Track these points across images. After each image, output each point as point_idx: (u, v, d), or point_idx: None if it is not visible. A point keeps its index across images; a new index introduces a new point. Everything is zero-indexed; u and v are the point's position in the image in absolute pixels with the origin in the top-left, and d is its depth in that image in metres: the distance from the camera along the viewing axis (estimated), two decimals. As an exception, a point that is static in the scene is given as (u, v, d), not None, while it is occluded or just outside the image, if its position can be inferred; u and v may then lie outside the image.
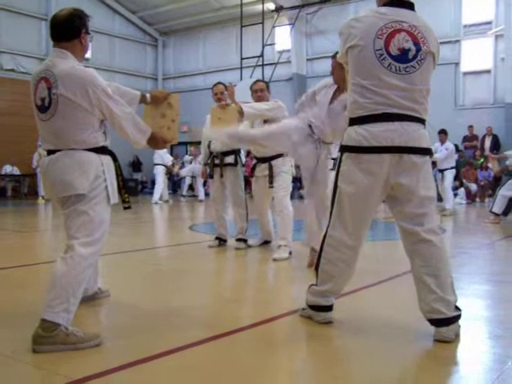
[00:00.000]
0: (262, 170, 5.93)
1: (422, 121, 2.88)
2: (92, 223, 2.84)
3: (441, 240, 2.91)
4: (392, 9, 2.85)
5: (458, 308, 2.87)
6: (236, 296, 4.01)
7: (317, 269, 3.10)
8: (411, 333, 2.98)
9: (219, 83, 6.30)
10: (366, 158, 2.83)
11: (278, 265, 5.15)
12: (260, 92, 5.84)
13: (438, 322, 2.83)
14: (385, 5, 2.88)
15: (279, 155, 5.74)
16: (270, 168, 5.77)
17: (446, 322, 2.81)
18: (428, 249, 2.86)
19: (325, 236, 3.05)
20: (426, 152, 2.89)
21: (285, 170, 5.79)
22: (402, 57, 2.78)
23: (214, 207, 6.43)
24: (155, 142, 3.10)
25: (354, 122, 2.89)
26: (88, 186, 2.83)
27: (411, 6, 2.91)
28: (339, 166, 2.97)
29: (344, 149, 2.94)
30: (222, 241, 6.38)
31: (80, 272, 2.76)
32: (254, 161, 6.12)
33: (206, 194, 15.20)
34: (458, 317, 2.86)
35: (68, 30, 2.95)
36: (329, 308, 3.11)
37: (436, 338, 2.82)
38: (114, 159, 3.03)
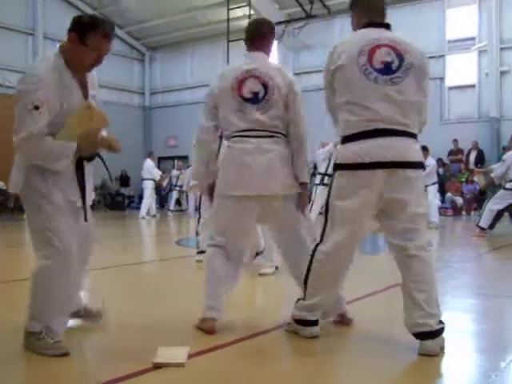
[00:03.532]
0: None
1: (413, 135, 2.92)
2: (39, 234, 2.79)
3: (430, 256, 2.94)
4: (370, 29, 2.97)
5: (441, 321, 2.89)
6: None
7: (305, 283, 3.09)
8: (396, 346, 2.98)
9: None
10: (360, 175, 2.85)
11: (265, 279, 5.15)
12: None
13: (423, 336, 2.83)
14: (363, 28, 3.01)
15: None
16: None
17: (431, 335, 2.82)
18: (418, 264, 2.87)
19: (314, 251, 3.05)
20: (419, 166, 2.94)
21: None
22: (386, 69, 2.85)
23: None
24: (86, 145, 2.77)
25: (346, 140, 2.92)
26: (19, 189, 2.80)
27: (388, 27, 3.03)
28: (332, 184, 2.99)
29: (337, 167, 2.97)
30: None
31: (49, 286, 2.76)
32: None
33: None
34: (442, 330, 2.87)
35: None
36: (314, 322, 3.10)
37: (421, 351, 2.82)
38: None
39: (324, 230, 3.01)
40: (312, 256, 3.05)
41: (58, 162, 2.69)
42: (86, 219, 2.92)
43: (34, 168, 2.75)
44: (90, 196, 3.05)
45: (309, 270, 3.07)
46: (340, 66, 2.89)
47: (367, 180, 2.84)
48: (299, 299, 3.14)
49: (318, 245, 3.04)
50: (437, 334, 2.83)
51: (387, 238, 2.99)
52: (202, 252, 6.35)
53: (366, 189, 2.85)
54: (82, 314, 3.36)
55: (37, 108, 2.61)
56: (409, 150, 2.87)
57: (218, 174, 3.35)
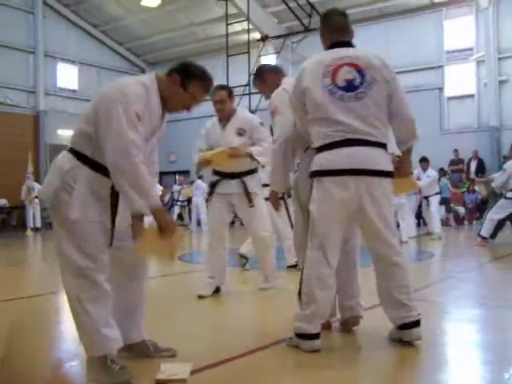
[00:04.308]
0: (228, 187, 5.01)
1: (381, 145, 3.11)
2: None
3: (404, 260, 3.21)
4: (335, 50, 3.21)
5: (418, 313, 3.18)
6: (223, 326, 4.00)
7: (300, 293, 3.17)
8: (399, 358, 2.98)
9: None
10: (332, 181, 3.05)
11: (265, 294, 5.14)
12: (220, 104, 4.93)
13: (410, 325, 3.11)
14: (328, 48, 3.26)
15: (252, 171, 5.03)
16: (244, 186, 4.98)
17: (416, 324, 3.12)
18: (399, 271, 3.15)
19: (303, 261, 3.19)
20: (387, 174, 3.12)
21: (258, 191, 5.11)
22: (350, 86, 3.09)
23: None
24: (161, 216, 2.61)
25: (319, 150, 3.14)
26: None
27: (351, 45, 3.27)
28: (310, 192, 3.18)
29: (312, 174, 3.17)
30: None
31: (75, 307, 2.61)
32: (215, 177, 5.11)
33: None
34: (420, 319, 3.18)
35: None
36: (316, 336, 3.11)
37: (407, 339, 3.11)
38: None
39: (308, 236, 3.16)
40: (303, 264, 3.19)
41: (144, 198, 2.55)
42: (110, 244, 2.72)
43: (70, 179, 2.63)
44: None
45: (301, 279, 3.18)
46: (305, 88, 3.13)
47: (339, 186, 3.03)
48: (297, 312, 3.18)
49: (306, 253, 3.17)
50: (419, 322, 3.13)
51: (373, 248, 3.18)
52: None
53: (339, 195, 3.03)
54: (151, 350, 3.04)
55: (138, 118, 2.58)
56: (375, 158, 3.08)
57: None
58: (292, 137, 3.56)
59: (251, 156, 4.84)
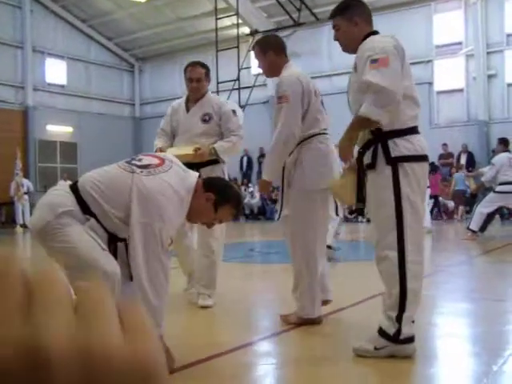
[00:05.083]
0: None
1: None
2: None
3: None
4: None
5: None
6: (211, 322, 3.99)
7: (405, 294, 2.80)
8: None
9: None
10: (423, 166, 2.94)
11: (255, 290, 5.12)
12: (196, 82, 4.39)
13: None
14: (368, 35, 2.99)
15: (212, 161, 4.29)
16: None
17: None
18: None
19: (403, 254, 2.80)
20: None
21: None
22: None
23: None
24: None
25: (404, 132, 2.89)
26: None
27: None
28: (398, 179, 2.83)
29: (401, 159, 2.85)
30: None
31: None
32: None
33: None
34: None
35: None
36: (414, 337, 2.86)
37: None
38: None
39: (403, 230, 2.81)
40: (403, 260, 2.80)
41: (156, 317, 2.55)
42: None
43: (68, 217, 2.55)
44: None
45: (405, 279, 2.80)
46: (404, 61, 2.89)
47: (425, 172, 2.99)
48: (398, 315, 2.81)
49: (403, 248, 2.80)
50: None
51: None
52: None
53: (425, 181, 2.99)
54: None
55: (170, 241, 2.65)
56: None
57: (305, 170, 3.47)
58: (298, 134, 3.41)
59: (216, 153, 4.26)
